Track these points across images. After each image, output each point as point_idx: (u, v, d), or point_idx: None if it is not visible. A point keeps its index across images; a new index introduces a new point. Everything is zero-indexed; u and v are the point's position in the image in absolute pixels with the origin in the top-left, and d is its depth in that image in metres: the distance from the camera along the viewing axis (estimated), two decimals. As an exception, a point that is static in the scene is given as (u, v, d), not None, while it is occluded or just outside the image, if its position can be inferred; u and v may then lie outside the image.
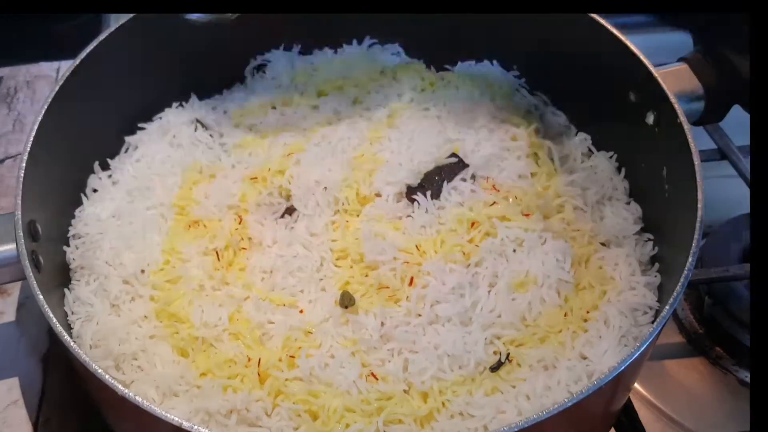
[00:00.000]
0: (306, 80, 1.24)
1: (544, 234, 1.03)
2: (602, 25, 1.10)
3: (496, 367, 0.93)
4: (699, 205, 0.93)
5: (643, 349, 0.84)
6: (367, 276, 1.00)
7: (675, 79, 1.09)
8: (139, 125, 1.19)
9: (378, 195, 1.07)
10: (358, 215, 1.06)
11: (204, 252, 1.04)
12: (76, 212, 1.10)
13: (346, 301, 0.97)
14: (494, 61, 1.25)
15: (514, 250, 1.02)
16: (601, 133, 1.17)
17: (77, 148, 1.10)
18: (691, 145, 0.98)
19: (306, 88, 1.23)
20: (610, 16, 1.11)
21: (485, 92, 1.21)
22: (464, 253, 1.01)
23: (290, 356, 0.94)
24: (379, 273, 0.99)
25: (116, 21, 1.13)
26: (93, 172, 1.13)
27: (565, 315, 0.98)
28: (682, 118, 1.00)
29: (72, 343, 0.85)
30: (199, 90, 1.24)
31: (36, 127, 1.00)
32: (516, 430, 0.77)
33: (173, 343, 0.96)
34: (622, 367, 0.82)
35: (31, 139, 0.99)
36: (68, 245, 1.07)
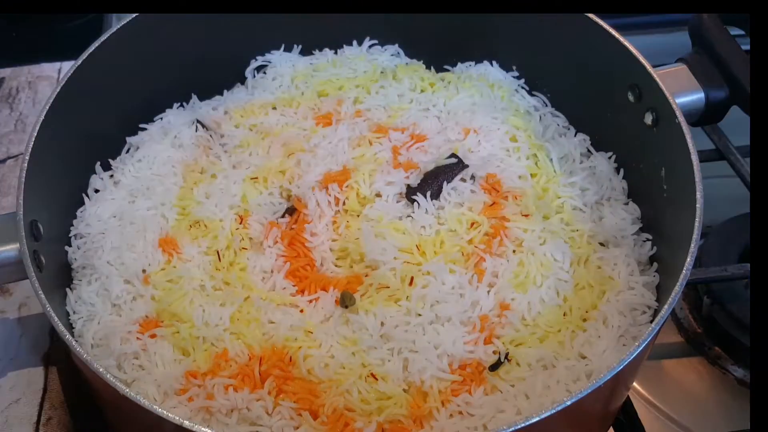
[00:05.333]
0: (306, 81, 1.24)
1: (543, 234, 1.03)
2: (601, 26, 1.10)
3: (495, 367, 0.94)
4: (697, 205, 0.94)
5: (641, 348, 0.84)
6: (367, 276, 1.01)
7: (674, 79, 1.09)
8: (141, 126, 1.19)
9: (378, 195, 1.07)
10: (358, 215, 1.06)
11: (205, 252, 1.04)
12: (78, 212, 1.10)
13: (346, 301, 0.98)
14: (494, 62, 1.25)
15: (514, 251, 1.02)
16: (600, 134, 1.17)
17: (79, 148, 1.10)
18: (690, 145, 0.98)
19: (306, 89, 1.23)
20: (609, 17, 1.11)
21: (485, 92, 1.21)
22: (464, 254, 1.01)
23: (290, 356, 0.94)
24: (379, 273, 0.99)
25: (118, 21, 1.14)
26: (94, 172, 1.14)
27: (564, 315, 0.99)
28: (681, 119, 1.00)
29: (74, 343, 0.85)
30: (200, 90, 1.24)
31: (38, 128, 1.01)
32: (515, 429, 0.77)
33: (174, 343, 0.96)
34: (621, 367, 0.82)
35: (33, 139, 1.00)
36: (70, 245, 1.07)
